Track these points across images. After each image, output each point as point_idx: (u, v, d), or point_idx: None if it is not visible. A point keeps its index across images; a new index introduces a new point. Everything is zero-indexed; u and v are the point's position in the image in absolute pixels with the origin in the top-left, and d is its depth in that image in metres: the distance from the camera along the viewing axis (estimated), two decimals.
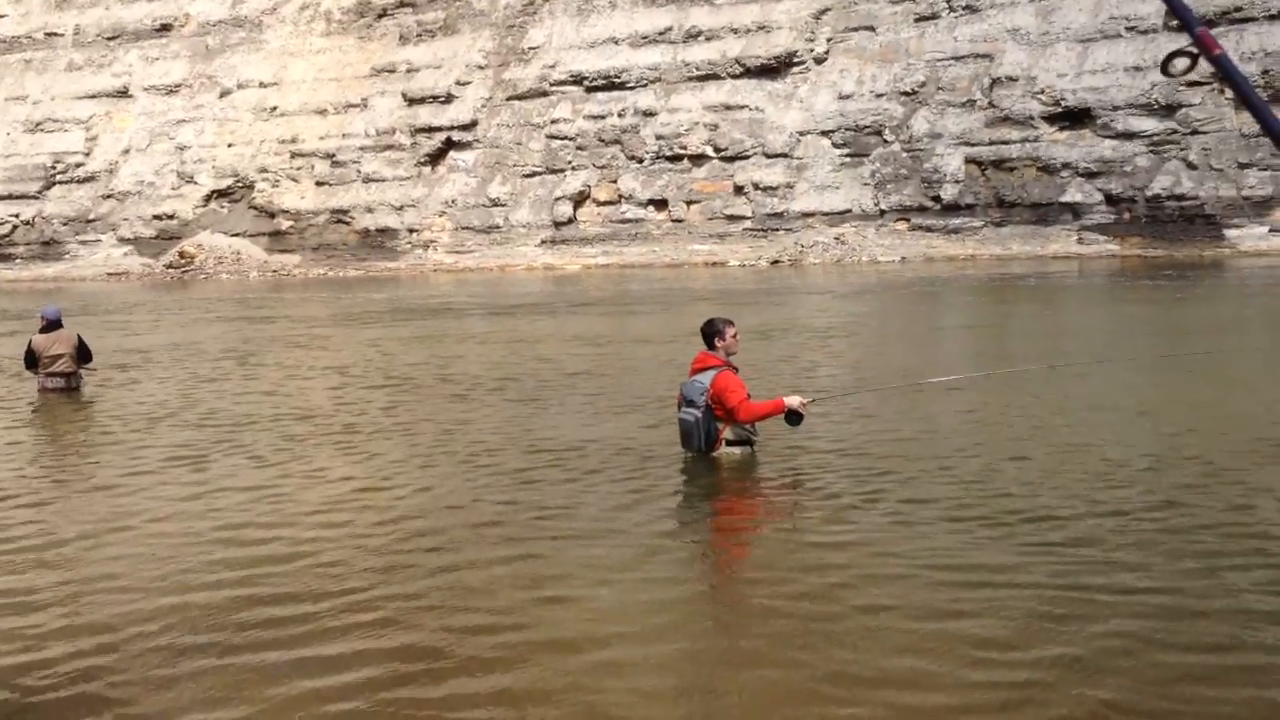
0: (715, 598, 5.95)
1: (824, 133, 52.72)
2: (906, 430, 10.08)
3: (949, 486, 7.78)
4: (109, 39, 67.61)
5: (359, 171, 59.19)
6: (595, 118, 56.20)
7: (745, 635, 5.22)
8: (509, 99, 58.11)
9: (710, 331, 8.74)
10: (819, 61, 54.16)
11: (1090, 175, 48.24)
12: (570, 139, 56.15)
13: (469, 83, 59.02)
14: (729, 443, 8.59)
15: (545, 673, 4.76)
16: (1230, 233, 46.47)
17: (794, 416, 8.44)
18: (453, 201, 57.23)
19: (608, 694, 4.56)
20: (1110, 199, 48.03)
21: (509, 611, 5.55)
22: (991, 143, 49.81)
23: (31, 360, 14.00)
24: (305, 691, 4.65)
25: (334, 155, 59.82)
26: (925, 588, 5.70)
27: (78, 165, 63.94)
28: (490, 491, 8.08)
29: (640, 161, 54.93)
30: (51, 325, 14.09)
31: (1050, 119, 49.47)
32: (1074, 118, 49.23)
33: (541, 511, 7.43)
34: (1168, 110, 47.77)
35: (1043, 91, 49.52)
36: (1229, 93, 44.33)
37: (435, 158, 58.81)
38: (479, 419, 11.35)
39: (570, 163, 55.77)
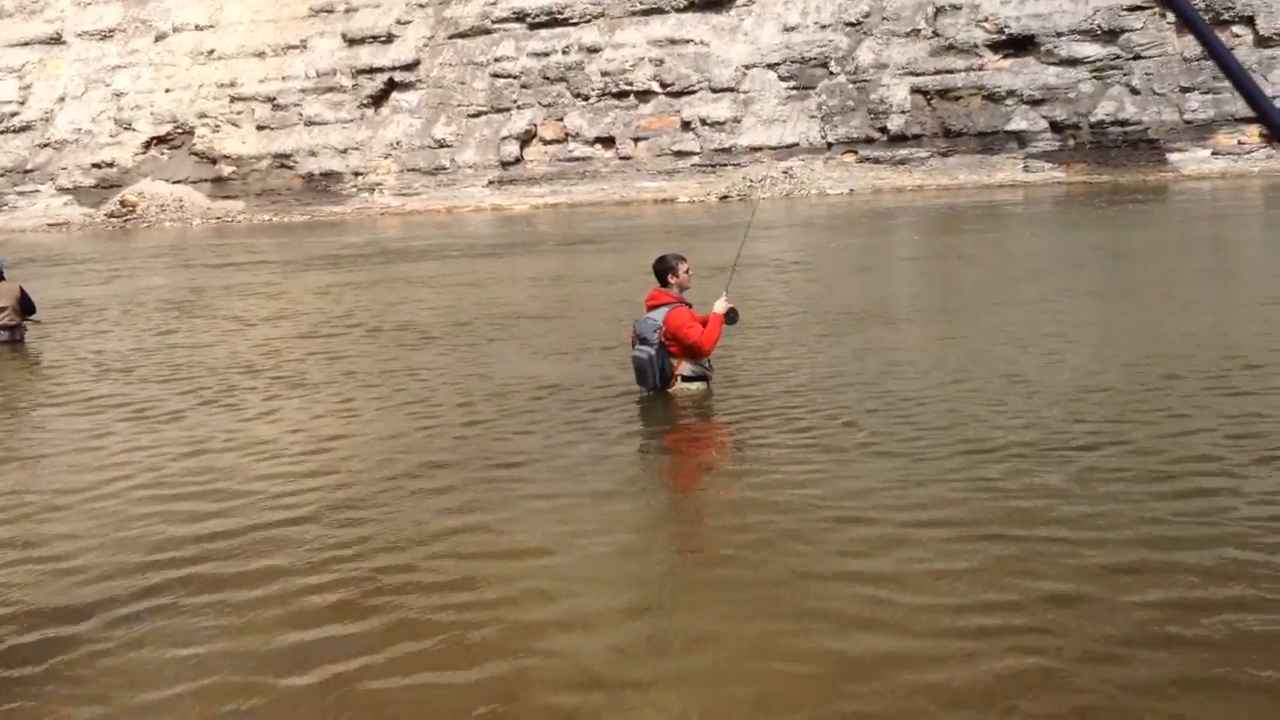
0: (673, 536, 6.02)
1: (769, 66, 52.48)
2: (861, 365, 10.18)
3: (904, 423, 7.88)
4: None
5: (300, 115, 58.30)
6: (539, 55, 55.59)
7: (701, 572, 5.30)
8: (451, 37, 57.32)
9: (663, 268, 8.75)
10: None
11: (1035, 103, 48.42)
12: (514, 77, 55.54)
13: (409, 22, 58.12)
14: (685, 379, 8.64)
15: (496, 615, 4.82)
16: (1173, 157, 46.90)
17: (731, 315, 8.63)
18: (397, 143, 56.57)
19: (562, 636, 4.62)
20: (1055, 126, 48.26)
21: (461, 549, 5.59)
22: (937, 72, 49.81)
23: None
24: (258, 638, 4.69)
25: (274, 99, 58.85)
26: (882, 523, 5.80)
27: (12, 115, 62.51)
28: (445, 434, 8.10)
29: (586, 99, 54.48)
30: None
31: (994, 47, 49.51)
32: (1018, 45, 49.29)
33: (497, 453, 7.47)
34: (1110, 35, 47.95)
35: (986, 19, 49.51)
36: (1170, 16, 44.55)
37: (378, 99, 57.99)
38: (431, 363, 11.35)
39: (515, 101, 55.21)
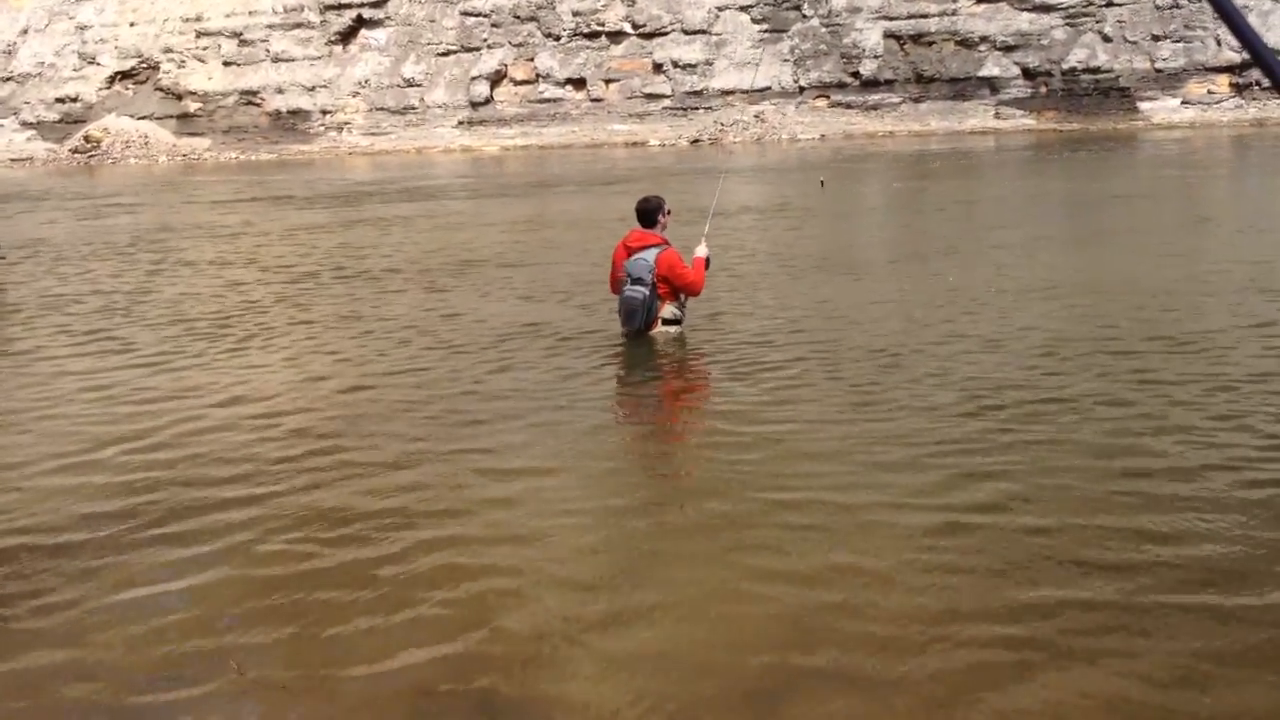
0: (646, 475, 6.07)
1: (742, 8, 52.13)
2: (835, 312, 10.24)
3: (878, 370, 7.95)
4: None
5: (268, 51, 57.51)
6: None
7: (671, 514, 5.35)
8: None
9: (651, 209, 8.75)
10: None
11: (1008, 49, 48.38)
12: (485, 15, 54.94)
13: None
14: (665, 321, 8.69)
15: (461, 560, 4.86)
16: (1144, 105, 47.03)
17: (707, 261, 8.98)
18: (366, 82, 55.96)
19: (535, 576, 4.67)
20: (1027, 73, 48.27)
21: (438, 495, 5.63)
22: (910, 17, 49.63)
23: None
24: (219, 586, 4.72)
25: (241, 34, 57.99)
26: (857, 463, 5.87)
27: None
28: (416, 378, 8.10)
29: (557, 39, 54.00)
30: None
31: None
32: None
33: (469, 397, 7.48)
34: None
35: None
36: None
37: (346, 36, 57.27)
38: (406, 308, 11.33)
39: (486, 41, 54.66)
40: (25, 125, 59.48)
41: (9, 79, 60.37)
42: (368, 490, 5.57)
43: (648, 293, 8.53)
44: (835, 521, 4.96)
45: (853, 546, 4.70)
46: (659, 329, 8.69)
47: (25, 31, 61.50)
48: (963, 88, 48.76)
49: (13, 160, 54.92)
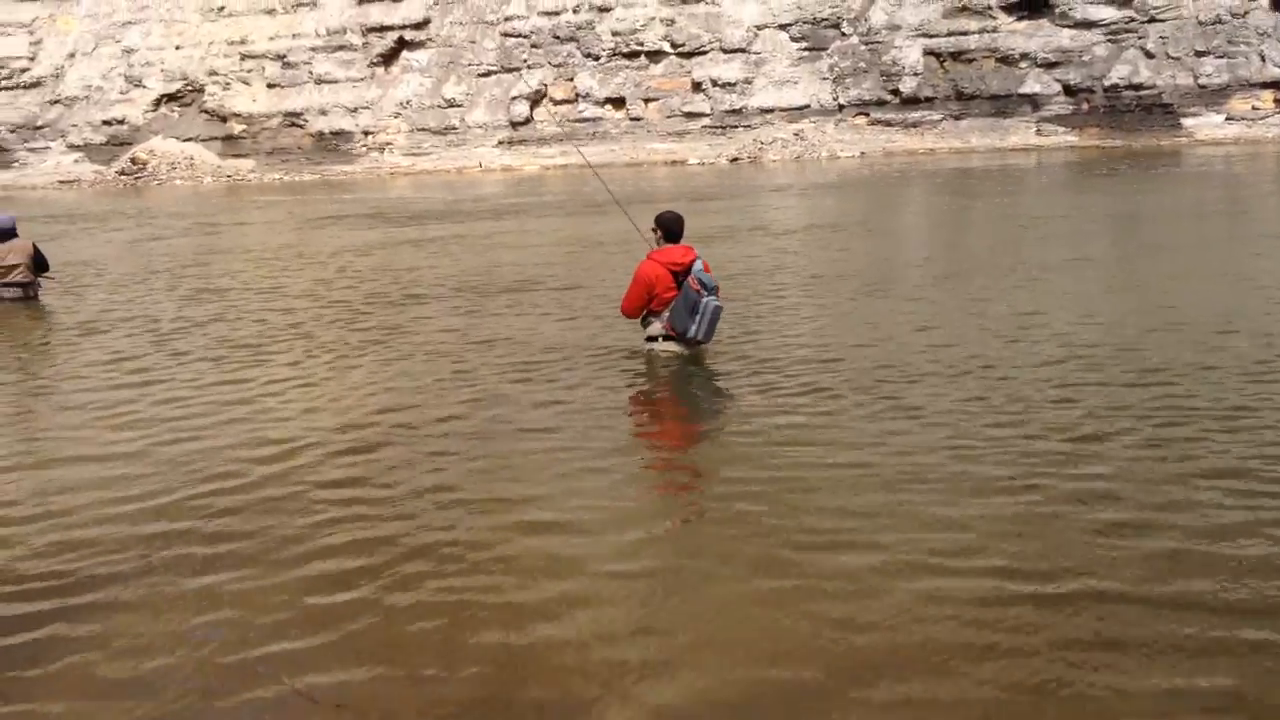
0: (679, 493, 6.08)
1: (781, 26, 52.14)
2: (876, 329, 10.22)
3: (899, 382, 7.93)
4: None
5: (311, 73, 58.06)
6: (549, 14, 55.25)
7: (707, 529, 5.37)
8: None
9: (680, 222, 8.76)
10: None
11: (1049, 66, 48.10)
12: (525, 36, 55.23)
13: None
14: (666, 338, 8.71)
15: (499, 577, 4.88)
16: (1187, 121, 46.62)
17: None
18: (407, 103, 56.36)
19: (566, 599, 4.69)
20: (1069, 89, 47.95)
21: (466, 508, 5.66)
22: (950, 34, 49.47)
23: None
24: (270, 596, 4.77)
25: (285, 56, 58.60)
26: (888, 484, 5.86)
27: (23, 71, 62.30)
28: (456, 396, 8.16)
29: (597, 59, 54.20)
30: (5, 234, 13.91)
31: (1008, 9, 49.12)
32: (1032, 6, 48.89)
33: (505, 414, 7.53)
34: None
35: None
36: None
37: (388, 58, 57.72)
38: (443, 325, 11.41)
39: (525, 61, 54.92)
40: (73, 148, 60.30)
41: (56, 102, 61.25)
42: (405, 519, 5.57)
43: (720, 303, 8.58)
44: (884, 560, 4.89)
45: (900, 587, 4.66)
46: (664, 346, 8.70)
47: (73, 55, 62.40)
48: (1004, 105, 48.52)
49: (61, 182, 55.67)
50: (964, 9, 49.39)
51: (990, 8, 49.07)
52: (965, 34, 49.22)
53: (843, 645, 4.00)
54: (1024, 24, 49.00)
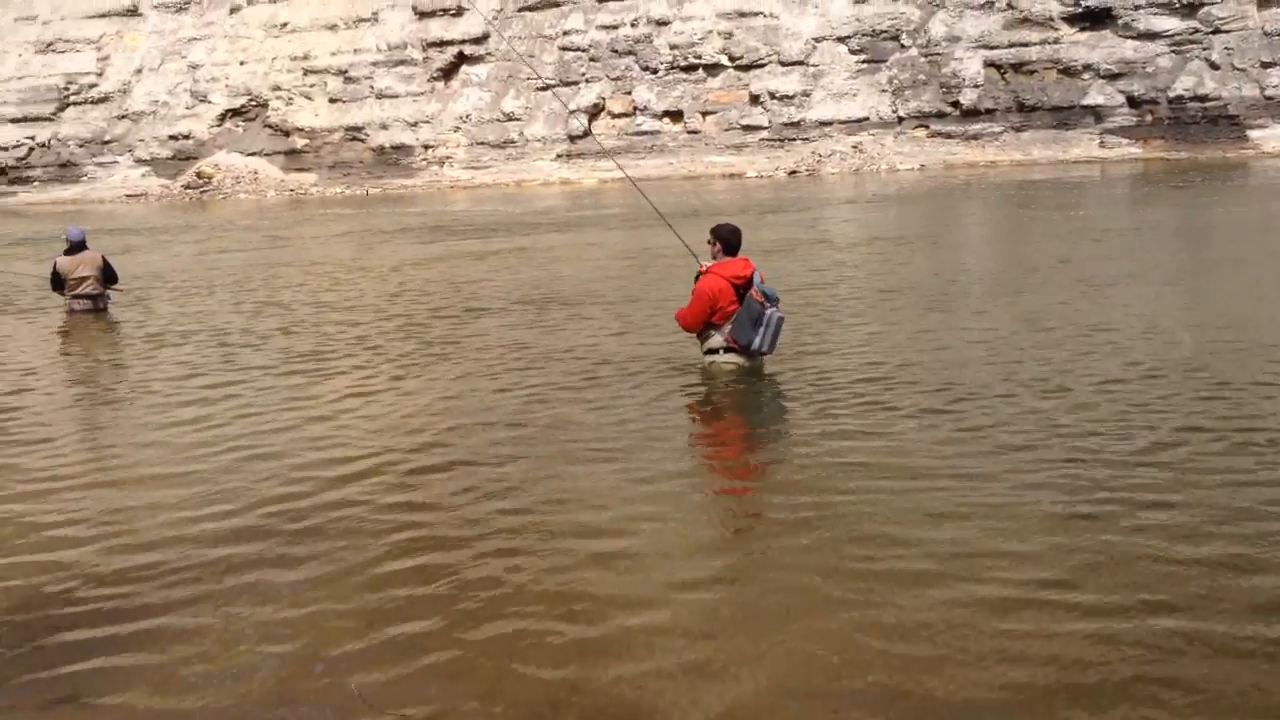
0: (742, 506, 6.06)
1: (840, 39, 52.02)
2: (936, 344, 10.14)
3: (963, 397, 7.86)
4: None
5: (372, 88, 58.72)
6: (608, 28, 55.52)
7: (770, 542, 5.34)
8: (520, 10, 57.41)
9: (739, 236, 8.74)
10: None
11: (1112, 77, 47.60)
12: (583, 50, 55.53)
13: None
14: (726, 350, 8.69)
15: (566, 587, 4.89)
16: (1253, 133, 45.92)
17: None
18: (467, 117, 56.82)
19: (633, 610, 4.68)
20: (1132, 101, 47.42)
21: (531, 520, 5.68)
22: (1011, 45, 49.10)
23: (58, 282, 14.13)
24: (335, 600, 4.81)
25: (346, 71, 59.31)
26: (951, 496, 5.80)
27: (91, 86, 63.53)
28: (516, 407, 8.19)
29: (654, 72, 54.35)
30: (76, 247, 14.18)
31: (1070, 20, 48.71)
32: (1095, 18, 48.44)
33: (566, 425, 7.54)
34: (1189, 9, 46.98)
35: None
36: None
37: (448, 72, 58.26)
38: (504, 336, 11.46)
39: (584, 75, 55.20)
40: (140, 162, 61.37)
41: (124, 117, 62.38)
42: (466, 531, 5.58)
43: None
44: (949, 569, 4.85)
45: (963, 599, 4.61)
46: (725, 358, 8.68)
47: (140, 71, 63.54)
48: (1066, 116, 48.06)
49: (128, 196, 56.66)
50: (1025, 20, 49.01)
51: (1052, 19, 48.66)
52: (1026, 45, 48.82)
53: (910, 683, 3.95)
54: (1086, 35, 48.54)
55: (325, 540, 5.41)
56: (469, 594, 4.71)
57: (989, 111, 49.17)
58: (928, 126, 50.14)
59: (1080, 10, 48.42)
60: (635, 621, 4.39)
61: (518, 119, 55.84)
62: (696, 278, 8.83)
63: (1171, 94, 46.70)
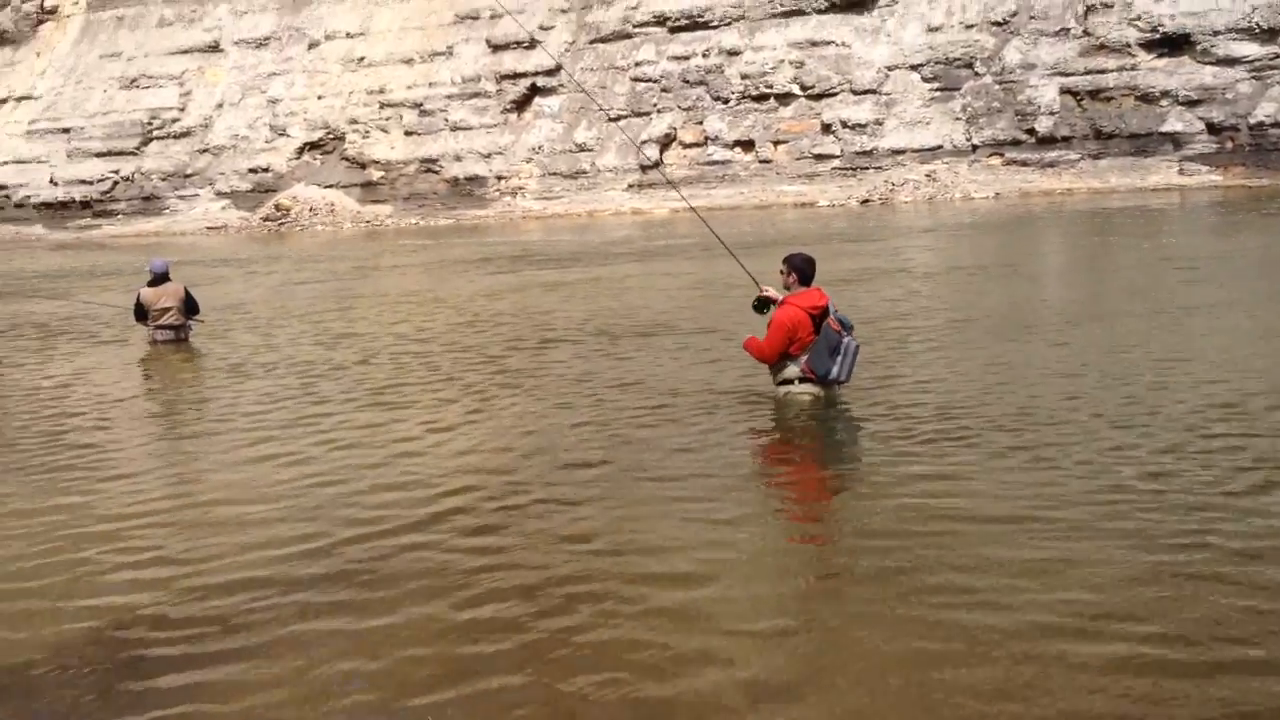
0: (818, 544, 6.01)
1: (913, 67, 51.77)
2: (1014, 374, 10.02)
3: (1041, 430, 7.74)
4: None
5: (446, 120, 59.45)
6: (679, 58, 55.75)
7: (847, 586, 5.28)
8: (592, 42, 57.86)
9: (814, 265, 8.72)
10: None
11: (1191, 104, 46.85)
12: (654, 81, 55.80)
13: (552, 27, 58.83)
14: (802, 380, 8.64)
15: (639, 628, 4.87)
16: None
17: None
18: (539, 148, 57.29)
19: (697, 617, 4.65)
20: (1212, 128, 46.61)
21: (610, 549, 5.66)
22: (1087, 72, 48.54)
23: (141, 313, 14.42)
24: (419, 629, 4.82)
25: (421, 104, 60.12)
26: (1031, 533, 5.71)
27: (173, 121, 64.99)
28: (590, 439, 8.20)
29: (725, 102, 54.45)
30: (159, 279, 14.47)
31: (1148, 46, 48.06)
32: (1172, 44, 47.75)
33: (640, 460, 7.53)
34: (1270, 34, 46.15)
35: (1139, 18, 48.09)
36: None
37: (521, 104, 58.83)
38: (585, 368, 11.49)
39: (655, 105, 55.43)
40: (220, 195, 62.60)
41: (205, 151, 63.70)
42: (545, 575, 5.54)
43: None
44: (1030, 620, 4.74)
45: (1046, 653, 4.51)
46: (801, 389, 8.62)
47: (220, 106, 64.89)
48: (1144, 144, 47.36)
49: (209, 228, 57.80)
50: (1102, 47, 48.47)
51: (1129, 45, 48.07)
52: (1103, 72, 48.24)
53: (978, 714, 3.88)
54: (1164, 61, 47.87)
55: (404, 583, 5.39)
56: (551, 642, 4.68)
57: (1065, 139, 48.60)
58: (1002, 154, 49.68)
59: (1158, 36, 47.78)
60: (709, 673, 4.34)
61: (589, 149, 56.19)
62: (755, 304, 8.84)
63: (1252, 120, 45.84)
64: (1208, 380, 9.02)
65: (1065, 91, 48.82)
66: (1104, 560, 5.15)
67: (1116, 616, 4.57)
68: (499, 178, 57.44)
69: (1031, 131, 49.06)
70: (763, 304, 8.88)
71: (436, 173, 58.81)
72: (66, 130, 66.28)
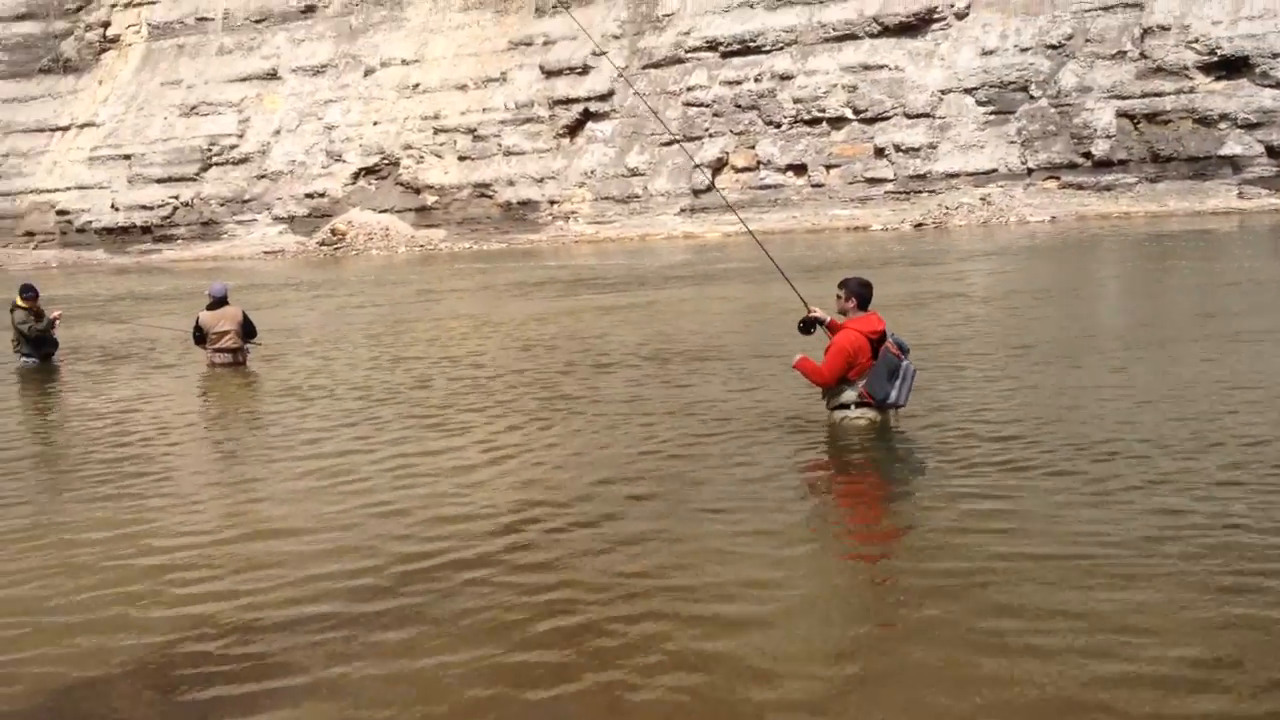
0: (873, 574, 5.94)
1: (967, 90, 51.50)
2: (1066, 400, 9.89)
3: (1100, 460, 7.62)
4: (257, 22, 69.45)
5: (500, 145, 59.88)
6: (731, 83, 55.84)
7: (904, 612, 5.22)
8: (645, 67, 58.08)
9: (871, 289, 8.70)
10: (960, 17, 52.86)
11: (1250, 127, 46.22)
12: (707, 106, 55.88)
13: (605, 53, 59.14)
14: (858, 404, 8.59)
15: (694, 641, 4.83)
16: None
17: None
18: (592, 172, 57.53)
19: (757, 660, 4.61)
20: (1272, 151, 45.95)
21: (666, 586, 5.63)
22: (1144, 95, 48.05)
23: (200, 336, 14.60)
24: (467, 652, 4.82)
25: (475, 130, 60.60)
26: (1087, 561, 5.62)
27: (232, 147, 65.95)
28: (642, 463, 8.18)
29: (778, 126, 54.44)
30: (218, 302, 14.65)
31: (1206, 69, 47.51)
32: (1231, 67, 47.17)
33: (694, 485, 7.50)
34: None
35: (1197, 40, 47.56)
36: None
37: (573, 129, 59.14)
38: (638, 393, 11.48)
39: (707, 130, 55.51)
40: (277, 220, 63.39)
41: (263, 176, 64.55)
42: (598, 596, 5.54)
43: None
44: (1091, 645, 4.64)
45: (1107, 676, 4.43)
46: (858, 414, 8.57)
47: (278, 132, 65.77)
48: (1202, 167, 46.77)
49: (266, 252, 58.50)
50: (1159, 70, 47.97)
51: (1187, 68, 47.55)
52: (1160, 95, 47.72)
53: None
54: (1222, 84, 47.30)
55: (458, 603, 5.40)
56: (605, 664, 4.67)
57: (1122, 162, 48.11)
58: (1058, 178, 49.25)
59: (1216, 59, 47.22)
60: (765, 697, 4.31)
61: (642, 174, 56.35)
62: (801, 324, 8.81)
63: None
64: (1271, 406, 8.86)
65: (1122, 115, 48.35)
66: (1171, 606, 5.01)
67: (1187, 650, 4.48)
68: (551, 202, 57.72)
69: (1088, 155, 48.62)
70: (809, 325, 8.85)
71: (490, 197, 59.20)
72: (128, 156, 67.44)
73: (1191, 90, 47.46)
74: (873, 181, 52.08)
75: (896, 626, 5.02)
